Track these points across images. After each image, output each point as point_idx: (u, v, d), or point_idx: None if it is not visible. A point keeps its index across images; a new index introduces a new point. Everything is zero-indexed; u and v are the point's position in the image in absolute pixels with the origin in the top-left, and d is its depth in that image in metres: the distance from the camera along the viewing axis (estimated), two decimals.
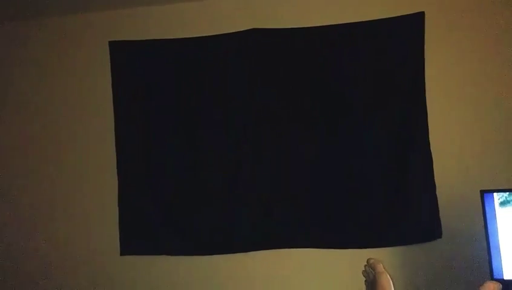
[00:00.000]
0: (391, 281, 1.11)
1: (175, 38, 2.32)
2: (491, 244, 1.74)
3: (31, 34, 2.46)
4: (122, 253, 2.28)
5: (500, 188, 1.79)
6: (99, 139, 2.35)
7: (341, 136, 2.19)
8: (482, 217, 1.77)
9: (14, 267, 2.35)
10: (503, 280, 1.69)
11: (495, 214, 1.74)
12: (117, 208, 2.29)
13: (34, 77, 2.44)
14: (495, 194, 1.76)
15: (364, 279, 1.22)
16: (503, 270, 1.71)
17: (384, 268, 1.15)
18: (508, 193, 1.74)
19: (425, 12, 2.16)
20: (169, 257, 2.26)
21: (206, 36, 2.30)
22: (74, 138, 2.38)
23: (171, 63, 2.32)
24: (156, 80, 2.33)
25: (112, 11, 2.40)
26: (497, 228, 1.74)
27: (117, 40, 2.37)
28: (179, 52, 2.31)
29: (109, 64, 2.36)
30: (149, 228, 2.27)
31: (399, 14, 2.18)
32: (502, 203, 1.74)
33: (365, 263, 1.21)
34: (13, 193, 2.40)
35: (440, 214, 2.08)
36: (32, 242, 2.35)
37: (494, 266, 1.73)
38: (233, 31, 2.28)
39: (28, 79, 2.44)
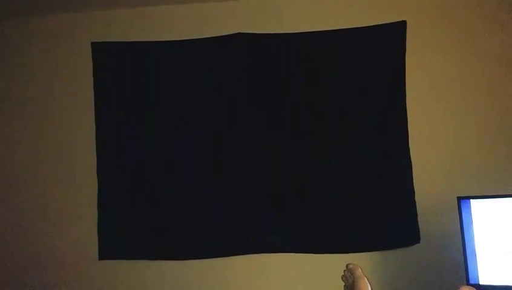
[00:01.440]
0: (369, 286, 1.13)
1: (159, 41, 2.31)
2: (467, 249, 1.78)
3: (13, 33, 2.41)
4: (101, 257, 2.25)
5: (477, 194, 1.83)
6: (80, 141, 2.31)
7: (321, 141, 2.20)
8: (459, 223, 1.80)
9: None
10: (478, 284, 1.72)
11: (471, 220, 1.78)
12: (96, 211, 2.26)
13: (15, 77, 2.39)
14: (471, 200, 1.79)
15: (343, 284, 1.23)
16: (479, 275, 1.75)
17: (363, 273, 1.16)
18: None
19: (407, 21, 2.20)
20: (148, 261, 2.23)
21: (191, 39, 2.29)
22: (54, 139, 2.34)
23: (154, 65, 2.30)
24: (138, 82, 2.30)
25: (96, 11, 2.37)
26: (473, 234, 1.77)
27: (99, 41, 2.34)
28: (163, 55, 2.30)
29: (92, 65, 2.33)
30: (127, 232, 2.24)
31: (382, 23, 2.21)
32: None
33: (345, 268, 1.22)
34: None
35: (418, 220, 2.11)
36: (7, 246, 2.30)
37: (469, 271, 1.76)
38: (219, 34, 2.28)
39: (9, 79, 2.39)
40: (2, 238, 2.30)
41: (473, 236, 1.77)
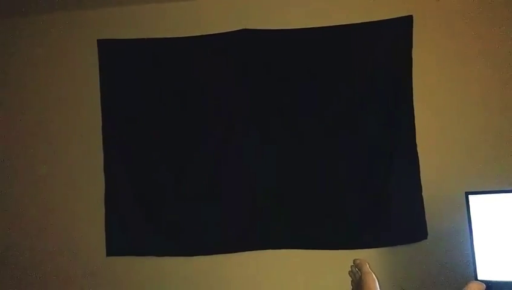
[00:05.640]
0: (376, 281, 1.12)
1: (165, 38, 2.31)
2: (476, 245, 1.76)
3: (18, 31, 2.42)
4: (108, 254, 2.26)
5: (485, 189, 1.81)
6: (87, 138, 2.32)
7: (327, 136, 2.20)
8: (467, 219, 1.79)
9: None
10: (487, 280, 1.71)
11: (480, 216, 1.76)
12: (104, 208, 2.27)
13: (22, 74, 2.40)
14: (480, 195, 1.78)
15: (351, 279, 1.23)
16: (488, 271, 1.74)
17: (370, 268, 1.16)
18: None
19: (414, 16, 2.18)
20: (156, 257, 2.24)
21: (196, 36, 2.29)
22: (61, 136, 2.35)
23: (160, 62, 2.30)
24: (145, 79, 2.31)
25: (102, 9, 2.37)
26: (481, 229, 1.75)
27: (105, 38, 2.34)
28: (168, 51, 2.30)
29: (98, 62, 2.33)
30: (135, 229, 2.25)
31: (388, 17, 2.20)
32: None
33: (352, 264, 1.22)
34: None
35: (426, 215, 2.10)
36: (15, 242, 2.31)
37: (478, 267, 1.75)
38: (224, 31, 2.28)
39: (16, 77, 2.41)
40: (10, 237, 2.32)
41: (481, 232, 1.76)
